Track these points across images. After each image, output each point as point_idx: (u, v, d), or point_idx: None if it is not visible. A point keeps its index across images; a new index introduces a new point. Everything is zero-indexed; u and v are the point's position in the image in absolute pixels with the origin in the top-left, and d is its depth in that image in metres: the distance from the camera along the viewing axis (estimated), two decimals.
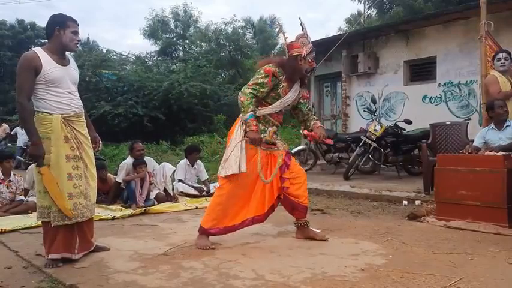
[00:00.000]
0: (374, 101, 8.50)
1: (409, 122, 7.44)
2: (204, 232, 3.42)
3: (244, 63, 19.85)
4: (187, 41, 22.77)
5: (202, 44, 21.45)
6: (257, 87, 3.31)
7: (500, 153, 4.02)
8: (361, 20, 17.36)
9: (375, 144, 7.28)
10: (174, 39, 23.02)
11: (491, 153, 4.13)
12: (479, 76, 5.62)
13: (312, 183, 6.79)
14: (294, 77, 3.45)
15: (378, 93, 9.51)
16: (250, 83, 3.35)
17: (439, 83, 8.49)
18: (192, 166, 6.51)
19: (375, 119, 7.76)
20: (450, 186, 4.12)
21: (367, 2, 17.16)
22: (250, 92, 3.29)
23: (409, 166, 7.57)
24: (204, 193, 6.22)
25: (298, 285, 2.49)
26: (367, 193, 5.92)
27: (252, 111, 3.28)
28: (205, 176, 6.56)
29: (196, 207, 5.45)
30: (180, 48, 23.19)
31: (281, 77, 3.37)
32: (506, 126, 4.31)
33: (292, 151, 9.02)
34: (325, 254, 3.16)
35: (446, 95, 8.42)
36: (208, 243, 3.37)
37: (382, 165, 7.63)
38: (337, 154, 8.29)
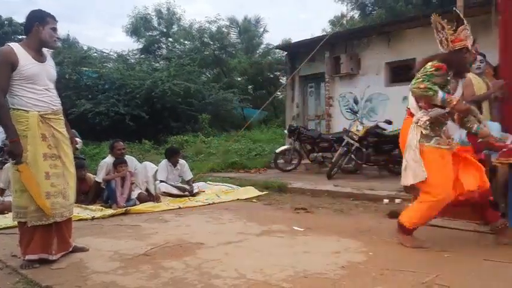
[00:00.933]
0: (356, 102, 8.58)
1: (389, 123, 7.54)
2: (408, 232, 3.26)
3: (229, 62, 19.81)
4: (170, 39, 22.57)
5: (186, 42, 21.29)
6: (427, 77, 3.09)
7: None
8: (344, 22, 17.50)
9: (357, 144, 7.37)
10: (157, 37, 22.79)
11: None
12: None
13: (297, 183, 6.85)
14: (462, 71, 3.31)
15: (360, 94, 9.59)
16: (418, 76, 3.15)
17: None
18: (175, 167, 6.45)
19: (357, 120, 7.84)
20: None
21: (349, 4, 17.31)
22: (424, 79, 3.08)
23: (390, 165, 7.66)
24: (187, 193, 6.17)
25: (280, 283, 2.50)
26: (349, 192, 5.97)
27: (439, 90, 3.08)
28: (189, 175, 6.50)
29: (179, 207, 5.41)
30: (163, 46, 22.95)
31: (450, 73, 3.21)
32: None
33: (277, 151, 9.09)
34: (308, 252, 3.18)
35: None
36: (421, 242, 3.25)
37: (364, 165, 7.71)
38: (321, 154, 8.37)
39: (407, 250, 3.14)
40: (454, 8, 3.36)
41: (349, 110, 9.23)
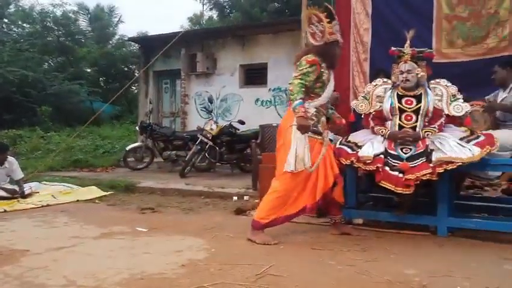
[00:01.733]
0: (211, 101, 8.73)
1: (242, 123, 7.87)
2: (261, 227, 3.35)
3: (76, 51, 18.13)
4: (5, 20, 19.60)
5: (25, 25, 18.79)
6: (304, 76, 3.32)
7: None
8: (201, 21, 17.67)
9: (211, 143, 7.50)
10: None
11: None
12: None
13: (146, 181, 6.63)
14: (334, 62, 3.53)
15: (215, 93, 9.80)
16: (296, 74, 3.35)
17: (270, 88, 9.20)
18: (1, 165, 5.62)
19: (211, 119, 7.97)
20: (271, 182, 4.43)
21: (208, 4, 17.54)
22: (299, 82, 3.30)
23: (242, 164, 8.00)
24: (17, 195, 5.42)
25: (113, 287, 2.37)
26: (200, 190, 6.01)
27: (300, 98, 3.26)
28: (19, 175, 5.72)
29: (5, 210, 4.75)
30: None
31: (323, 65, 3.42)
32: None
33: (127, 148, 8.67)
34: (149, 252, 3.07)
35: (275, 99, 9.17)
36: (269, 238, 3.32)
37: (217, 163, 7.88)
38: (174, 152, 8.26)
39: (248, 244, 3.27)
40: (326, 4, 3.56)
41: (203, 109, 9.36)
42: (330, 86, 3.54)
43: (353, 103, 4.14)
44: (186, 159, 7.53)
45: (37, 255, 3.00)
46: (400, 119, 3.64)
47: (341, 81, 5.13)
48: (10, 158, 5.75)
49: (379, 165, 3.37)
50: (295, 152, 3.30)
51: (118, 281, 2.45)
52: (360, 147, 3.63)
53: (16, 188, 5.52)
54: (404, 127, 3.61)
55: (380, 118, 3.80)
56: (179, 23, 26.70)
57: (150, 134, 8.37)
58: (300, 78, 3.32)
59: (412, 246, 3.26)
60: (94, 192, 5.88)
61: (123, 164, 8.53)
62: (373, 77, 4.64)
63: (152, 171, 8.31)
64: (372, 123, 3.82)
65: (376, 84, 4.00)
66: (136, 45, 14.67)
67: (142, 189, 6.27)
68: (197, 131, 8.01)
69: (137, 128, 9.01)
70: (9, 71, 12.66)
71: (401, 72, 3.67)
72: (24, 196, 5.43)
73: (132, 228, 3.82)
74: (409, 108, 3.64)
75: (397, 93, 3.72)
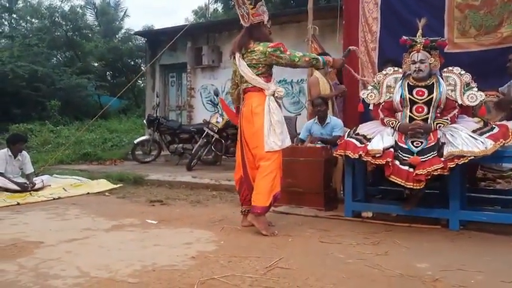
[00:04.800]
0: (217, 94, 8.72)
1: None
2: (264, 211, 3.37)
3: (84, 45, 18.20)
4: (14, 16, 19.75)
5: (34, 20, 18.90)
6: (293, 54, 3.46)
7: (319, 144, 4.51)
8: (206, 14, 17.61)
9: (217, 136, 7.50)
10: None
11: (312, 144, 4.59)
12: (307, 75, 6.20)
13: (154, 174, 6.66)
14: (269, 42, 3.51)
15: (221, 86, 9.78)
16: (288, 53, 3.42)
17: (275, 80, 9.13)
18: (15, 157, 5.69)
19: (217, 112, 7.98)
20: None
21: None
22: (295, 56, 3.43)
23: None
24: (28, 189, 5.49)
25: (126, 278, 2.38)
26: (207, 183, 6.02)
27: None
28: (30, 169, 5.79)
29: (18, 203, 4.78)
30: (6, 23, 19.93)
31: None
32: (327, 123, 4.79)
33: (135, 141, 8.72)
34: (159, 245, 3.09)
35: None
36: (273, 229, 3.40)
37: (223, 156, 7.89)
38: (181, 145, 8.30)
39: (256, 237, 3.27)
40: None
41: (209, 102, 9.35)
42: None
43: (362, 93, 4.08)
44: (193, 152, 7.55)
45: (51, 247, 3.03)
46: (410, 111, 3.56)
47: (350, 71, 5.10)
48: (23, 152, 5.83)
49: (389, 159, 3.29)
50: (275, 130, 3.39)
51: (130, 272, 2.47)
52: (368, 139, 3.56)
53: (26, 182, 5.58)
54: (415, 119, 3.52)
55: (390, 109, 3.72)
56: (184, 16, 26.65)
57: (157, 128, 8.40)
58: (295, 56, 3.43)
59: (424, 239, 3.21)
60: (103, 185, 5.92)
61: (131, 157, 8.59)
62: (381, 66, 4.58)
63: (159, 164, 8.35)
64: (381, 115, 3.74)
65: (387, 73, 3.89)
66: (143, 39, 14.68)
67: (150, 182, 6.31)
68: (203, 124, 8.02)
69: (144, 121, 9.05)
70: (19, 66, 12.81)
71: (414, 62, 3.57)
72: (36, 190, 5.48)
73: (142, 221, 3.85)
74: (420, 99, 3.54)
75: (408, 84, 3.61)
